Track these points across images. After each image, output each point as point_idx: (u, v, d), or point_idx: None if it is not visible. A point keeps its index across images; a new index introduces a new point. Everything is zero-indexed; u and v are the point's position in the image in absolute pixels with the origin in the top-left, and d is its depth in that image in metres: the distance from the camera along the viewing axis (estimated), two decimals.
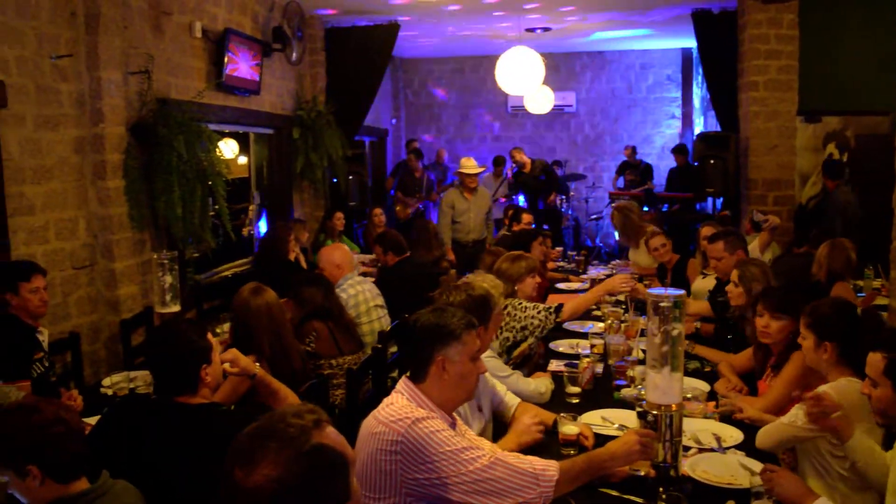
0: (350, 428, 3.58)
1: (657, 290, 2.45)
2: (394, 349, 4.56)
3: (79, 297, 5.01)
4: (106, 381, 3.95)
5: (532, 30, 10.06)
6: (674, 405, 2.44)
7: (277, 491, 1.45)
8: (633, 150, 12.06)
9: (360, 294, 4.86)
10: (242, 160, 8.00)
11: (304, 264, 6.92)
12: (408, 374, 2.59)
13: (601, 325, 4.75)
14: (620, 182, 11.98)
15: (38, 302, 3.85)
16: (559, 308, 4.16)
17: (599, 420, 3.27)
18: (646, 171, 11.72)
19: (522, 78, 6.98)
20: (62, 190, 4.88)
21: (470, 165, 8.45)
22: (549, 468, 2.40)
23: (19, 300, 3.81)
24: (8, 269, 3.96)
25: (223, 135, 7.15)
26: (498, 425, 3.27)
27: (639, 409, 2.75)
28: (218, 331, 4.44)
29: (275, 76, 7.97)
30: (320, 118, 8.44)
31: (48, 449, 2.17)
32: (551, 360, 4.21)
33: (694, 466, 2.81)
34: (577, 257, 7.90)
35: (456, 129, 13.70)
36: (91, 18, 5.00)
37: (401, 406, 2.47)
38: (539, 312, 4.09)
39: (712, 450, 2.98)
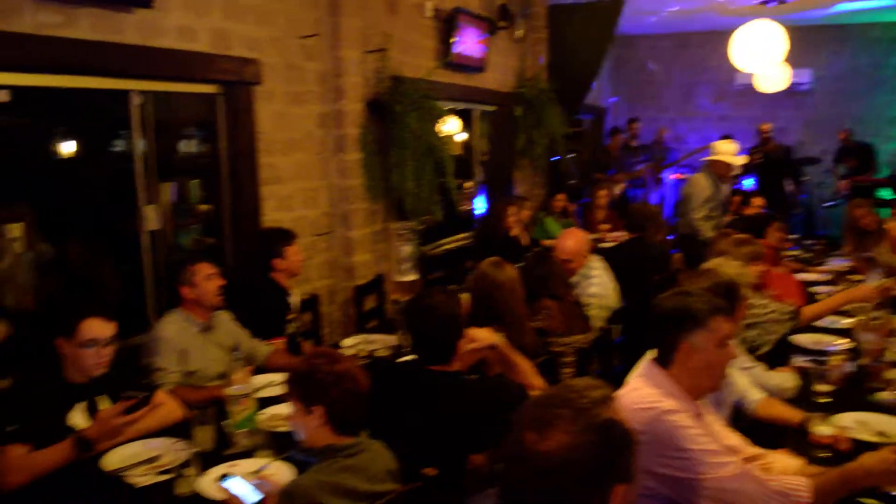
0: None
1: None
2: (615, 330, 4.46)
3: (318, 262, 5.33)
4: (345, 342, 4.17)
5: (765, 2, 9.45)
6: None
7: (568, 459, 1.45)
8: (849, 132, 11.05)
9: (604, 275, 4.74)
10: (464, 136, 8.15)
11: (525, 241, 6.95)
12: (654, 358, 2.50)
13: (845, 320, 4.37)
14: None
15: (299, 264, 4.15)
16: (797, 313, 3.87)
17: (853, 423, 3.00)
18: (864, 152, 10.67)
19: (761, 54, 6.56)
20: (307, 161, 5.20)
21: (728, 151, 7.13)
22: (800, 489, 2.21)
23: (284, 263, 4.12)
24: (275, 235, 4.29)
25: (449, 112, 7.31)
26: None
27: None
28: None
29: (499, 54, 8.04)
30: (542, 96, 8.41)
31: (337, 398, 2.34)
32: (793, 356, 3.92)
33: None
34: (814, 246, 7.35)
35: (678, 107, 13.20)
36: (334, 0, 5.26)
37: (647, 393, 2.37)
38: (774, 312, 3.82)
39: None
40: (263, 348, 3.87)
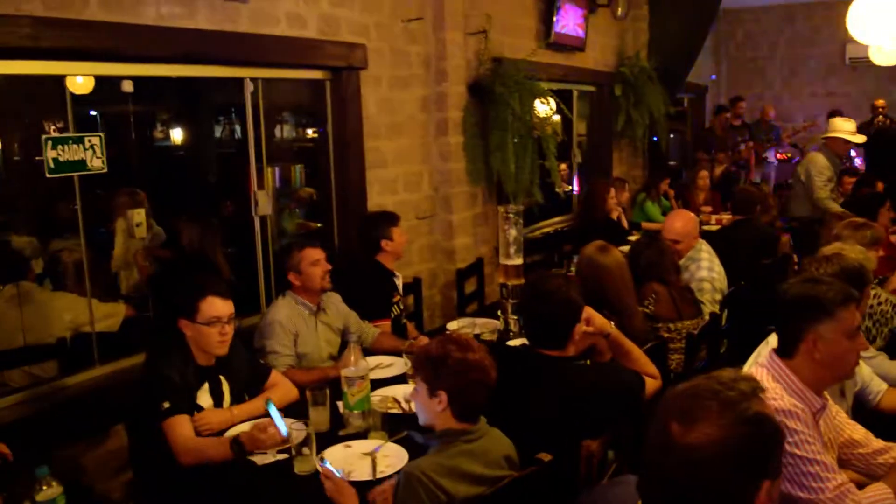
0: None
1: None
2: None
3: (420, 245, 5.39)
4: (451, 325, 4.21)
5: None
6: None
7: (717, 452, 1.43)
8: None
9: (713, 258, 4.63)
10: (558, 117, 8.05)
11: (625, 224, 6.86)
12: (775, 348, 2.43)
13: None
14: None
15: (403, 246, 4.24)
16: None
17: None
18: None
19: (882, 25, 6.21)
20: (409, 145, 5.25)
21: (846, 129, 6.94)
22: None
23: (391, 245, 4.19)
24: (382, 217, 4.34)
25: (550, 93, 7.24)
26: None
27: None
28: None
29: (598, 32, 7.90)
30: (642, 74, 8.24)
31: (464, 386, 2.37)
32: None
33: None
34: None
35: (783, 83, 12.72)
36: None
37: (768, 388, 2.28)
38: (886, 303, 3.65)
39: None
40: (371, 330, 3.94)
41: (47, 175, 3.31)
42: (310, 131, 6.54)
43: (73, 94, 3.56)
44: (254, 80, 4.22)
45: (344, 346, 3.73)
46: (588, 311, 2.94)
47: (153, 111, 6.82)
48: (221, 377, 3.06)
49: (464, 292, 5.34)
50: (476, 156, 5.60)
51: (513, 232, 3.93)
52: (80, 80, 4.74)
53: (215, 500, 2.68)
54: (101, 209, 5.24)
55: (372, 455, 2.68)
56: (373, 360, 3.54)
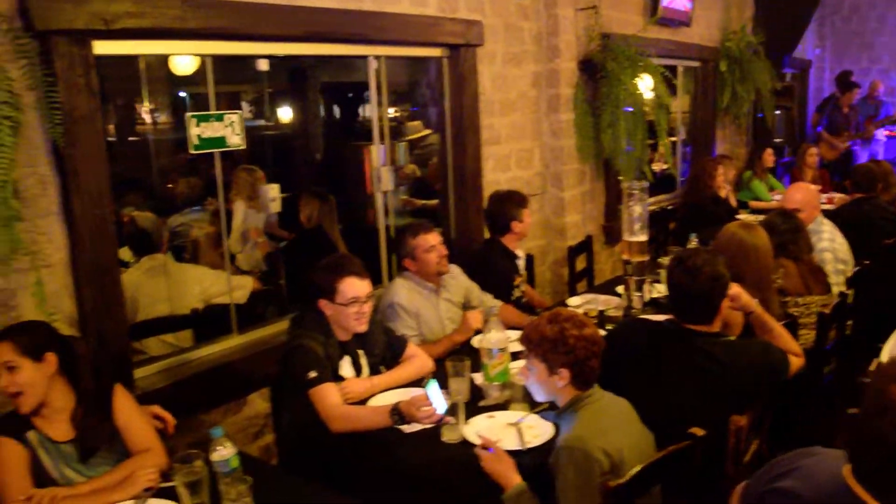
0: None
1: None
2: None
3: (531, 222, 5.37)
4: (572, 301, 4.20)
5: None
6: None
7: None
8: None
9: (835, 231, 4.52)
10: (669, 94, 7.90)
11: (733, 203, 6.72)
12: None
13: None
14: None
15: (530, 227, 4.23)
16: None
17: None
18: None
19: None
20: (521, 122, 5.25)
21: None
22: None
23: (520, 226, 4.19)
24: (514, 197, 4.28)
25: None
26: None
27: None
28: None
29: (703, 6, 7.72)
30: (748, 49, 8.02)
31: (583, 360, 2.42)
32: None
33: None
34: None
35: (893, 57, 12.18)
36: None
37: None
38: None
39: None
40: (492, 301, 3.97)
41: (191, 151, 3.44)
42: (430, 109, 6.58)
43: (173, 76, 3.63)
44: (377, 58, 4.27)
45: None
46: (734, 288, 2.91)
47: (263, 90, 7.01)
48: (360, 351, 3.14)
49: (574, 269, 5.33)
50: (586, 132, 5.57)
51: (637, 208, 3.90)
52: (184, 61, 4.91)
53: (361, 465, 2.76)
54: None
55: (517, 425, 2.71)
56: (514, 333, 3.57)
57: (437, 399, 2.58)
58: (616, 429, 2.39)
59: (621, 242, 4.06)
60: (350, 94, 8.21)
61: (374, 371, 3.17)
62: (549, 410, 2.74)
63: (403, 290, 3.66)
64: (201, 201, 5.38)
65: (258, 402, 3.76)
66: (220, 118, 3.48)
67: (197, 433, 3.48)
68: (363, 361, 3.14)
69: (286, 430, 3.16)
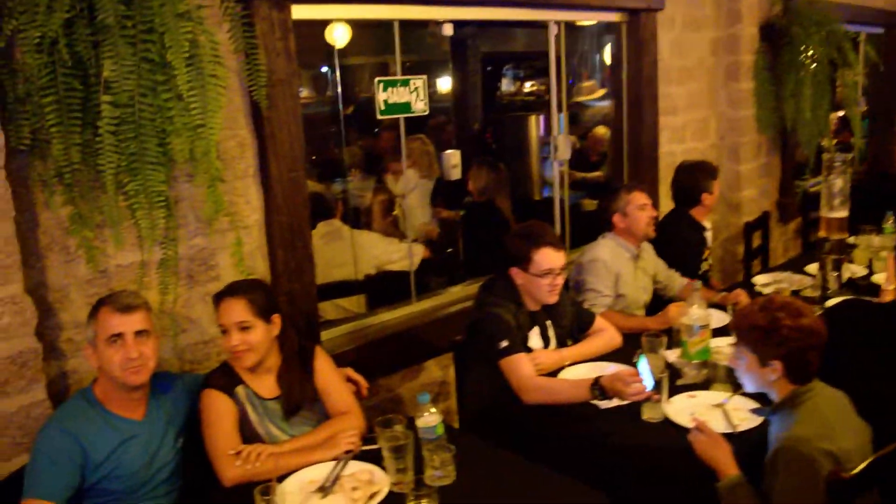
0: None
1: None
2: None
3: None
4: (758, 279, 3.98)
5: None
6: None
7: None
8: None
9: None
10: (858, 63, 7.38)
11: None
12: None
13: None
14: None
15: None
16: None
17: None
18: None
19: None
20: (698, 91, 5.02)
21: None
22: None
23: (711, 198, 3.99)
24: (706, 169, 4.07)
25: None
26: None
27: None
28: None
29: None
30: None
31: (798, 352, 2.22)
32: None
33: None
34: None
35: None
36: None
37: None
38: None
39: None
40: (678, 279, 3.80)
41: (378, 117, 3.43)
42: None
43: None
44: (557, 23, 4.15)
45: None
46: None
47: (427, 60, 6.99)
48: (548, 322, 3.06)
49: (751, 247, 5.06)
50: (766, 102, 5.25)
51: (838, 182, 3.62)
52: (339, 33, 4.92)
53: (550, 436, 2.68)
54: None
55: (722, 407, 2.57)
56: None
57: (646, 375, 2.47)
58: (841, 428, 2.19)
59: (820, 219, 3.78)
60: (509, 65, 8.14)
61: (561, 343, 3.09)
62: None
63: (607, 249, 3.55)
64: (362, 170, 5.44)
65: (434, 369, 3.76)
66: (405, 83, 3.45)
67: (377, 397, 3.52)
68: (551, 333, 3.06)
69: (469, 396, 3.12)
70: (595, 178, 6.58)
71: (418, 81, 3.50)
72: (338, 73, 4.82)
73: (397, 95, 3.43)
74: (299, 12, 3.07)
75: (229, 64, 2.87)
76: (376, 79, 3.38)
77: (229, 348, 2.44)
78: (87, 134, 2.40)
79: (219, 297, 2.48)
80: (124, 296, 2.32)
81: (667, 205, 4.58)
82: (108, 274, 2.69)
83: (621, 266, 3.53)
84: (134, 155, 2.43)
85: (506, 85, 8.37)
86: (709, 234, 4.12)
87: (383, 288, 4.16)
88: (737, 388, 2.66)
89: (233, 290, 2.47)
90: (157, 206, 2.52)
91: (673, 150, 4.81)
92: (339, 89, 5.09)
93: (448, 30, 3.68)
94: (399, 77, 3.46)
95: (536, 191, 6.69)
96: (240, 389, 2.48)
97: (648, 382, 2.47)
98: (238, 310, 2.41)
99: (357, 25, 4.76)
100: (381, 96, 3.39)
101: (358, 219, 4.88)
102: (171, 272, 2.71)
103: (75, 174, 2.43)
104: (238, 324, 2.41)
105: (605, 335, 3.12)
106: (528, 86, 8.55)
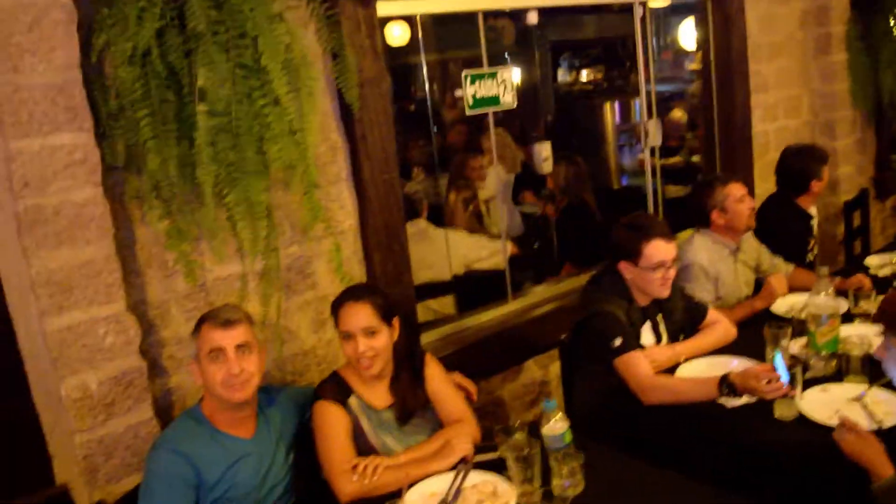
0: None
1: None
2: None
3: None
4: (870, 261, 3.76)
5: None
6: None
7: None
8: None
9: None
10: None
11: None
12: None
13: None
14: None
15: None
16: None
17: None
18: None
19: None
20: (788, 67, 4.79)
21: None
22: None
23: (820, 185, 3.78)
24: (813, 153, 3.87)
25: None
26: None
27: None
28: None
29: None
30: None
31: None
32: None
33: None
34: None
35: None
36: None
37: None
38: None
39: None
40: (784, 265, 3.60)
41: (467, 112, 3.33)
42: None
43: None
44: (642, 3, 3.98)
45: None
46: None
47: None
48: (659, 316, 2.91)
49: (851, 226, 4.81)
50: (860, 75, 4.98)
51: None
52: (398, 32, 4.83)
53: (673, 439, 2.54)
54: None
55: (861, 401, 2.39)
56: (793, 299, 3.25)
57: (782, 370, 2.31)
58: None
59: None
60: (579, 53, 7.98)
61: (674, 338, 2.94)
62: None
63: (703, 251, 3.30)
64: (434, 166, 5.34)
65: (534, 369, 3.65)
66: (493, 76, 3.34)
67: (478, 401, 3.41)
68: (662, 328, 2.92)
69: (579, 397, 3.00)
70: (675, 164, 6.37)
71: (506, 73, 3.38)
72: (424, 71, 4.71)
73: (485, 89, 3.32)
74: (384, 9, 2.98)
75: (317, 67, 2.81)
76: (463, 72, 3.28)
77: (356, 356, 2.36)
78: (184, 146, 2.35)
79: (340, 303, 2.39)
80: (225, 310, 2.26)
81: (762, 189, 4.39)
82: (206, 287, 2.65)
83: (720, 266, 3.31)
84: (232, 165, 2.37)
85: (575, 73, 8.20)
86: (815, 223, 3.89)
87: (473, 287, 4.06)
88: (873, 379, 2.50)
89: (356, 295, 2.39)
90: (259, 216, 2.45)
91: (766, 129, 4.60)
92: (427, 86, 4.97)
93: (533, 18, 3.56)
94: (486, 70, 3.34)
95: (615, 179, 6.52)
96: (352, 400, 2.40)
97: (785, 378, 2.31)
98: (364, 314, 2.33)
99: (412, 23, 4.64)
100: (469, 90, 3.27)
101: (440, 218, 4.79)
102: (272, 283, 2.64)
103: (172, 187, 2.38)
104: (365, 329, 2.33)
105: (720, 328, 2.95)
106: (595, 73, 8.38)
